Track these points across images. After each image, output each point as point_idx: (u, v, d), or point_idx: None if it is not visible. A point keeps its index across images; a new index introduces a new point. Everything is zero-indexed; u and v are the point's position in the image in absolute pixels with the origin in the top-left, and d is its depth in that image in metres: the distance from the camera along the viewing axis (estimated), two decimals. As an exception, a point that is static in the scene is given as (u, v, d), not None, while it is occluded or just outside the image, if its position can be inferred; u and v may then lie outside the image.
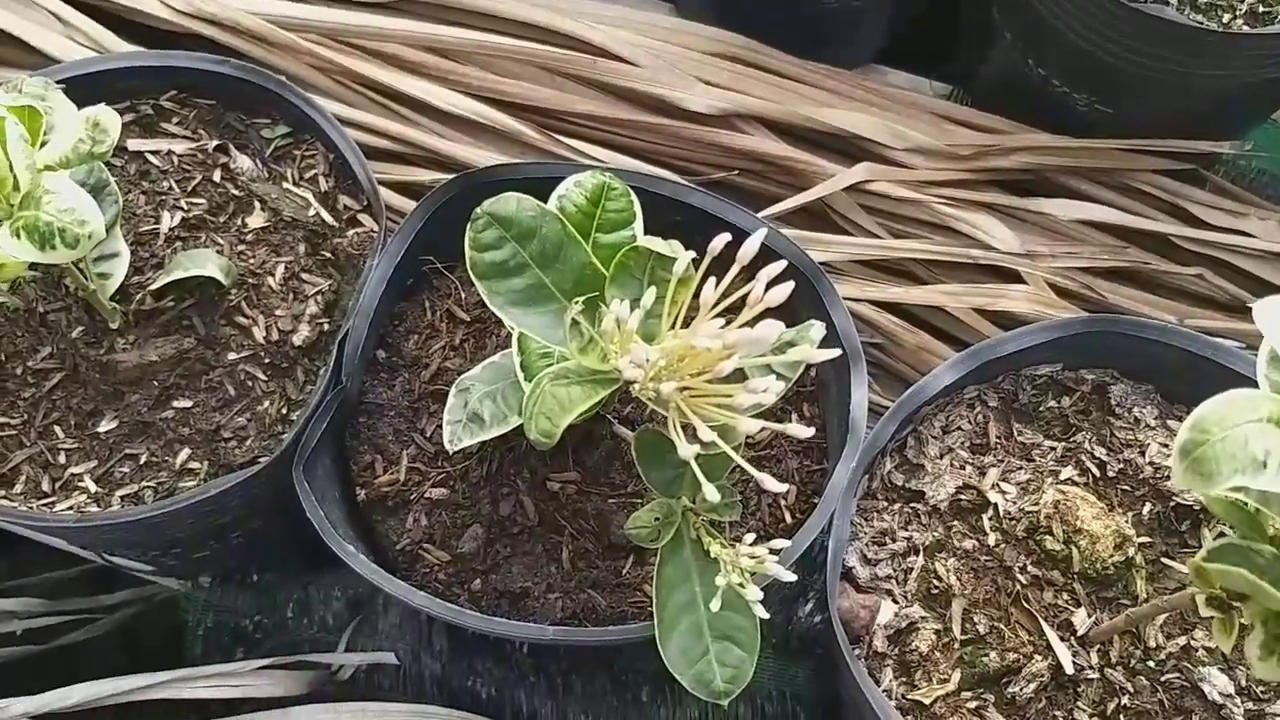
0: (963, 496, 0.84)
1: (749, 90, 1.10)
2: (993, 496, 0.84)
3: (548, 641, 0.77)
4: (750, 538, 0.70)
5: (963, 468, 0.86)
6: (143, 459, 0.84)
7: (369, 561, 0.78)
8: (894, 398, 0.88)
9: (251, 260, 0.88)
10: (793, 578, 0.68)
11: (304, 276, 0.88)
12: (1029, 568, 0.81)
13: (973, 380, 0.87)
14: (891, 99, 1.13)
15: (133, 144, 0.91)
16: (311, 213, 0.91)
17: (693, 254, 0.61)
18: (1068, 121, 1.10)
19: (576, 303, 0.64)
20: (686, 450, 0.58)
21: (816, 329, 0.65)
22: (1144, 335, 0.84)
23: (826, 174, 1.07)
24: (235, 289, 0.86)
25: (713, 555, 0.72)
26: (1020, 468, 0.85)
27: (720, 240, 0.60)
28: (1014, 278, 1.05)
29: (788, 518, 0.84)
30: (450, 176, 0.87)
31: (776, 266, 0.59)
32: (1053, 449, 0.86)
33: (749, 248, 0.58)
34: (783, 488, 0.59)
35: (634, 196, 0.75)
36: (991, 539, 0.82)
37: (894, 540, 0.84)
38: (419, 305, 0.89)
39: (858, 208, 1.08)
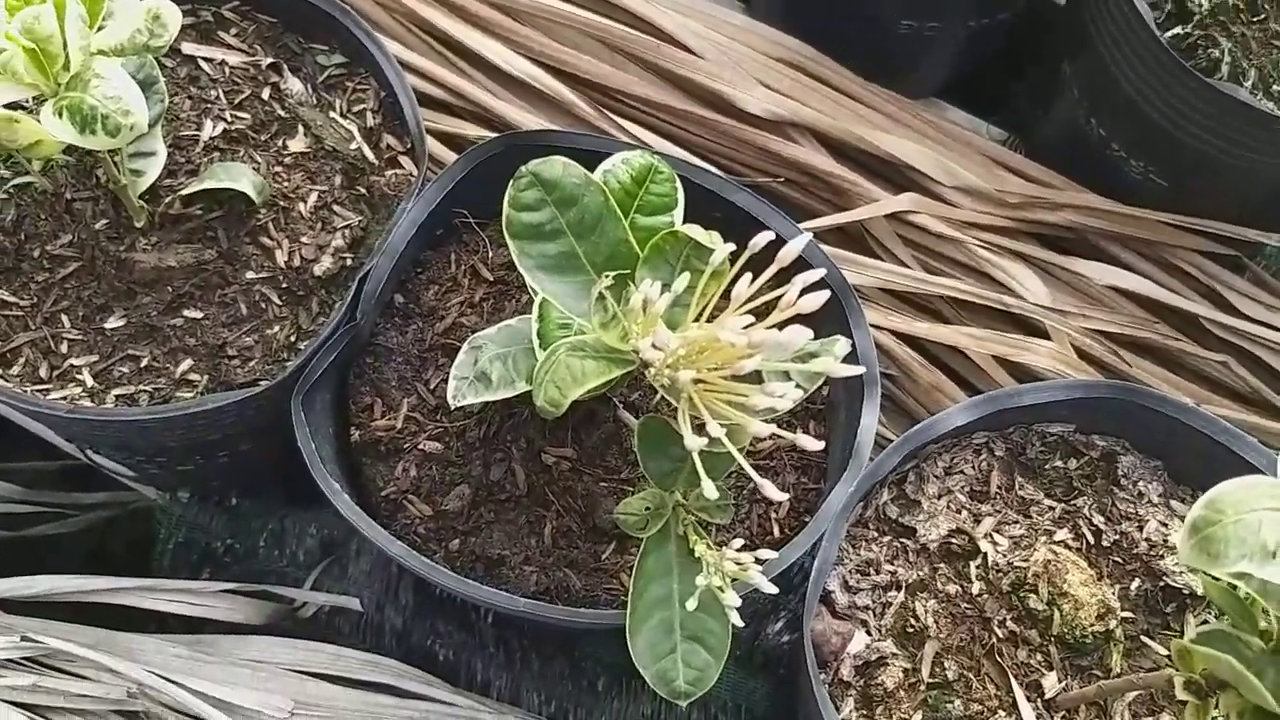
0: (954, 540, 0.83)
1: (806, 100, 1.09)
2: (984, 545, 0.83)
3: (517, 613, 0.76)
4: (738, 543, 0.69)
5: (959, 512, 0.85)
6: (144, 362, 0.84)
7: (351, 501, 0.77)
8: (899, 432, 0.87)
9: (286, 183, 0.87)
10: (774, 590, 0.67)
11: (335, 208, 0.88)
12: (1008, 623, 0.80)
13: (983, 427, 0.86)
14: (947, 134, 1.12)
15: (187, 47, 0.91)
16: (354, 146, 0.90)
17: (731, 246, 0.60)
18: (1119, 186, 1.09)
19: (607, 276, 0.63)
20: (693, 442, 0.57)
21: (841, 344, 0.64)
22: (1164, 410, 0.83)
23: (870, 197, 1.06)
24: (265, 209, 0.86)
25: (697, 555, 0.71)
26: (1016, 521, 0.84)
27: (763, 238, 0.59)
28: (1039, 333, 1.04)
29: (776, 531, 0.83)
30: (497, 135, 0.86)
31: (813, 274, 0.58)
32: (1051, 509, 0.85)
33: (792, 249, 0.57)
34: (783, 496, 0.58)
35: (679, 183, 0.74)
36: (975, 587, 0.82)
37: (878, 572, 0.83)
38: (445, 256, 0.88)
39: (895, 236, 1.07)
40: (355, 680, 0.93)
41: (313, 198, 0.87)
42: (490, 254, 0.88)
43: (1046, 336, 1.02)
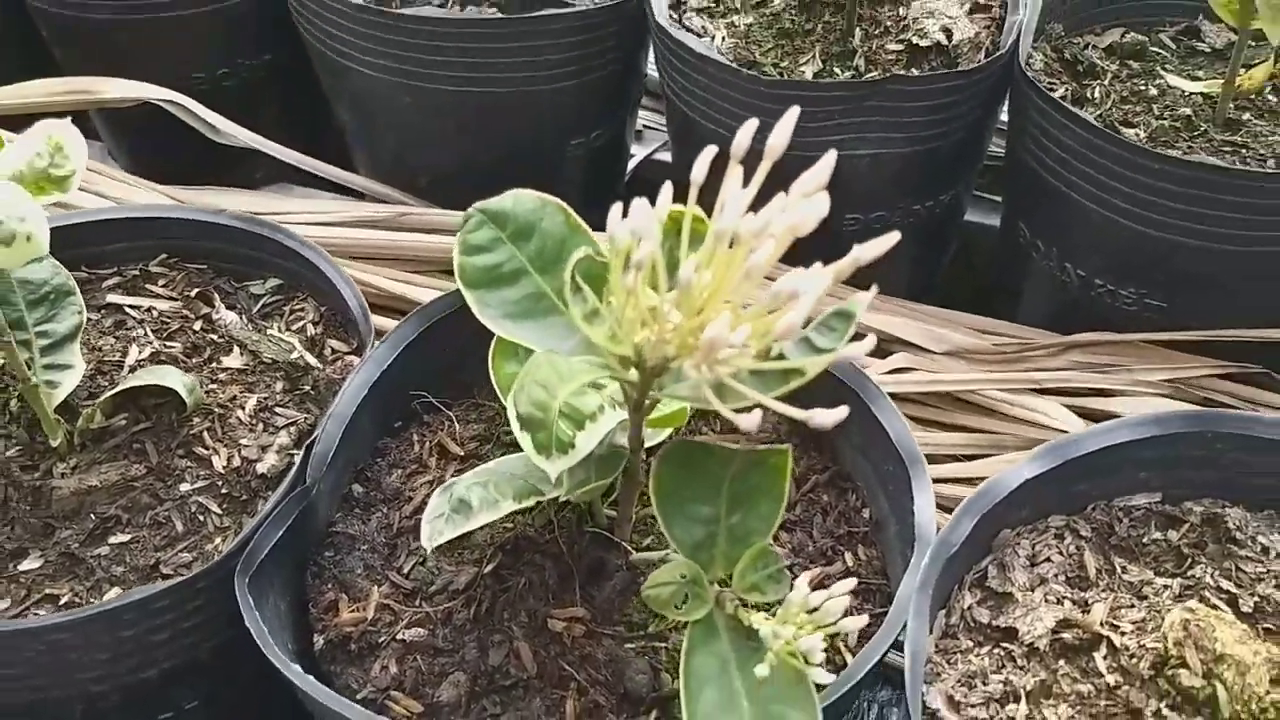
0: (1065, 634, 0.67)
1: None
2: (1104, 632, 0.67)
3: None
4: (807, 577, 0.55)
5: (1060, 602, 0.69)
6: (64, 599, 0.70)
7: (316, 682, 0.61)
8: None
9: (221, 395, 0.78)
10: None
11: (278, 410, 0.78)
12: (1164, 712, 0.63)
13: (1055, 506, 0.73)
14: (923, 313, 1.07)
15: (113, 298, 0.85)
16: (295, 355, 0.82)
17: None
18: (1114, 324, 1.02)
19: (575, 256, 0.54)
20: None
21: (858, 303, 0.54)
22: (1266, 435, 0.71)
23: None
24: (198, 417, 0.76)
25: (755, 634, 0.56)
26: (1132, 605, 0.69)
27: (774, 135, 0.50)
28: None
29: (848, 660, 0.67)
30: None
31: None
32: (1167, 586, 0.70)
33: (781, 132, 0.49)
34: (840, 414, 0.45)
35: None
36: (1110, 679, 0.65)
37: (986, 683, 0.66)
38: (406, 441, 0.78)
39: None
40: None
41: (251, 403, 0.78)
42: (458, 429, 0.78)
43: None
